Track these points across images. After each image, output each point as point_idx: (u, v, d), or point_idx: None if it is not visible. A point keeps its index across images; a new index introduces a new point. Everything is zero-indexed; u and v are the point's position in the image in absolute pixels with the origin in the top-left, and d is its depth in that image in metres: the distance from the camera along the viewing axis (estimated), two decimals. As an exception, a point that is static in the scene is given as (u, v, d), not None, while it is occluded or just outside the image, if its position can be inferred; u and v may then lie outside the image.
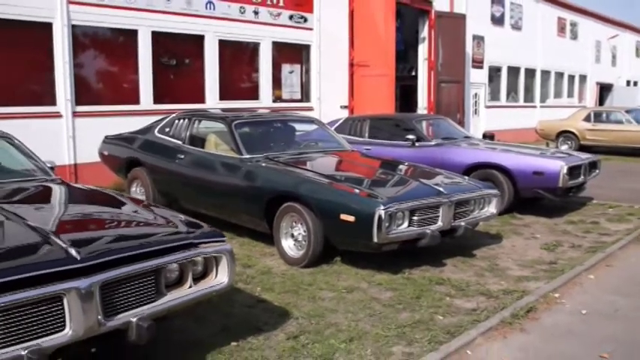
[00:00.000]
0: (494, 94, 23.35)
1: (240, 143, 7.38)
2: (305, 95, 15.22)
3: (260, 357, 4.05)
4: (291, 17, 14.49)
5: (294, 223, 6.41)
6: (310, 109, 14.92)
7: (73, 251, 3.23)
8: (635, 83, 37.09)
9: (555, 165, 8.76)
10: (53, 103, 10.69)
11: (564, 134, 20.14)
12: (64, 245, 3.28)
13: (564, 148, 18.64)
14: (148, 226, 4.06)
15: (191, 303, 3.77)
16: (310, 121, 9.20)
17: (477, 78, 21.73)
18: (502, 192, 8.49)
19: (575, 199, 10.08)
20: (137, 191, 8.80)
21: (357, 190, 6.05)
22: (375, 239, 5.65)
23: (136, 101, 11.84)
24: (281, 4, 14.22)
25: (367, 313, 4.91)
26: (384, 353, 4.16)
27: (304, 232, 6.24)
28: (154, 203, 6.20)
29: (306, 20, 14.82)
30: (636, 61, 38.30)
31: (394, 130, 10.61)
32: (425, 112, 18.34)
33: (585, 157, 9.83)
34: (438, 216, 6.16)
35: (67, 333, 3.13)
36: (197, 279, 3.84)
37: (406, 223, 5.89)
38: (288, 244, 6.46)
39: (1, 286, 2.91)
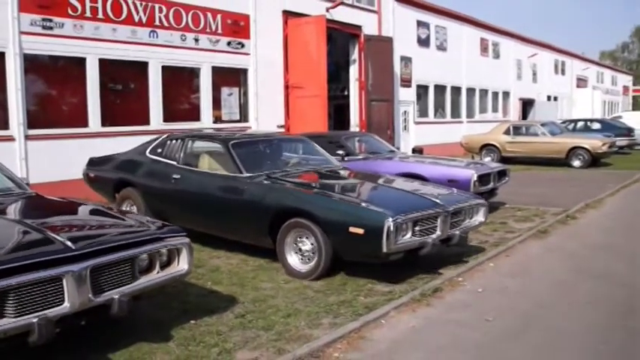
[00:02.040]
0: (422, 111, 24.77)
1: (239, 162, 7.58)
2: (243, 116, 16.16)
3: (214, 330, 5.02)
4: (229, 43, 15.45)
5: (299, 238, 6.67)
6: (249, 128, 15.88)
7: (69, 243, 4.16)
8: (555, 98, 39.42)
9: (467, 173, 9.99)
10: (6, 127, 11.33)
11: (487, 147, 21.68)
12: (61, 239, 4.21)
13: (487, 159, 20.10)
14: (124, 225, 5.03)
15: (159, 285, 4.75)
16: (300, 140, 9.50)
17: (406, 96, 23.09)
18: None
19: (489, 204, 11.31)
20: (130, 211, 8.68)
21: (363, 204, 6.43)
22: (385, 249, 6.01)
23: (85, 124, 12.51)
24: (219, 31, 15.17)
25: (301, 297, 5.94)
26: (315, 324, 5.20)
27: (311, 246, 6.56)
28: (125, 210, 7.06)
29: (243, 46, 15.81)
30: (555, 78, 40.72)
31: (326, 146, 11.63)
32: (357, 129, 19.52)
33: (495, 166, 11.14)
34: (436, 226, 6.62)
35: (66, 306, 4.03)
36: (163, 266, 4.79)
37: (410, 234, 6.28)
38: (293, 259, 6.72)
39: (17, 269, 3.81)
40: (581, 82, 47.16)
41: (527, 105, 35.96)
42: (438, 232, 6.61)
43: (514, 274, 6.95)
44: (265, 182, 7.29)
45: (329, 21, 17.50)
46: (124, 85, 13.46)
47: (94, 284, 4.19)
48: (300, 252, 6.71)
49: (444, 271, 6.89)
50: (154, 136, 9.44)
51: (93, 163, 9.88)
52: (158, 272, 4.72)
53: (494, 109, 31.70)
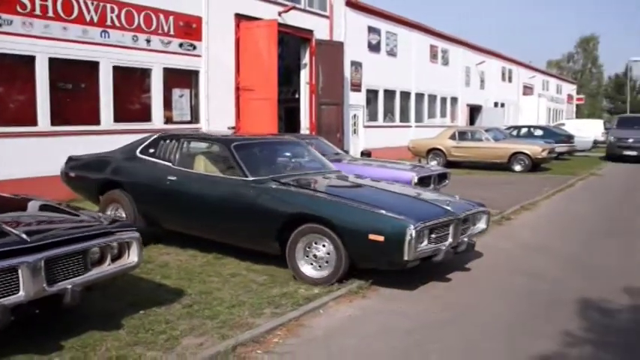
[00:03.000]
0: (372, 115, 25.30)
1: (244, 165, 7.39)
2: (194, 117, 16.36)
3: (163, 319, 5.32)
4: (181, 45, 15.65)
5: (313, 244, 6.59)
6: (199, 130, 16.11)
7: (24, 236, 4.43)
8: (502, 105, 40.51)
9: (407, 175, 10.47)
10: (-45, 125, 11.37)
11: (433, 151, 22.34)
12: (17, 232, 4.48)
13: (433, 163, 20.66)
14: (76, 220, 5.31)
15: (110, 277, 5.05)
16: (296, 143, 9.35)
17: (356, 100, 23.57)
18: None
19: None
20: (115, 214, 8.30)
21: (383, 211, 6.33)
22: (406, 257, 6.04)
23: (34, 123, 12.55)
24: (172, 32, 15.35)
25: (246, 290, 6.29)
26: (258, 313, 5.56)
27: (326, 252, 6.51)
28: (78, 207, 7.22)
29: (195, 48, 16.03)
30: (502, 85, 41.86)
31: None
32: (307, 132, 19.90)
33: (436, 169, 11.67)
34: (448, 233, 6.69)
35: (21, 295, 4.29)
36: (114, 259, 5.08)
37: (426, 241, 6.32)
38: (306, 266, 6.63)
39: (-25, 259, 4.07)
40: (528, 89, 48.51)
41: (474, 111, 36.92)
42: (450, 240, 6.68)
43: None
44: (275, 187, 7.11)
45: (281, 25, 17.84)
46: (74, 84, 13.52)
47: (48, 275, 4.45)
48: (315, 258, 6.61)
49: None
50: (145, 135, 9.07)
51: (73, 161, 9.43)
52: (109, 264, 5.01)
53: (443, 115, 32.50)
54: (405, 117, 28.26)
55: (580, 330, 5.48)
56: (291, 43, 21.26)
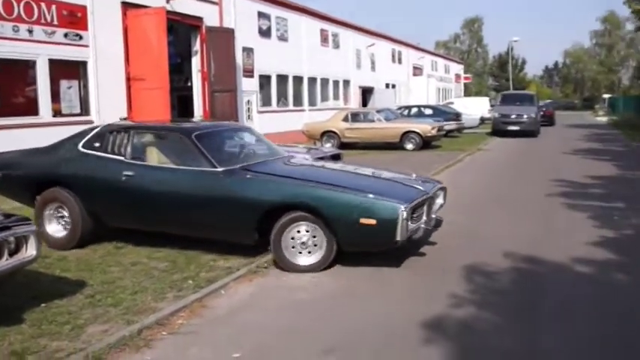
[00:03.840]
0: (265, 101, 25.42)
1: (210, 156, 7.14)
2: (84, 109, 16.00)
3: (65, 310, 5.39)
4: (66, 35, 15.24)
5: (296, 232, 6.61)
6: (90, 122, 15.72)
7: None
8: (393, 86, 41.60)
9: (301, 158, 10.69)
10: None
11: (327, 134, 22.79)
12: None
13: (328, 146, 21.04)
14: (-30, 215, 5.23)
15: (9, 271, 5.04)
16: (246, 128, 9.18)
17: (249, 86, 23.63)
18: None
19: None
20: (54, 214, 7.84)
21: (370, 195, 6.49)
22: (399, 237, 6.28)
23: None
24: (55, 22, 14.91)
25: (148, 277, 6.41)
26: (161, 298, 5.71)
27: (312, 239, 6.58)
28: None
29: (81, 38, 15.65)
30: (393, 67, 42.95)
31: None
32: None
33: (329, 151, 11.99)
34: (423, 211, 6.96)
35: None
36: (12, 253, 5.07)
37: (410, 221, 6.55)
38: (294, 254, 6.63)
39: None
40: (417, 70, 49.90)
41: (367, 93, 37.69)
42: (424, 217, 6.95)
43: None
44: (250, 177, 6.97)
45: (169, 12, 17.65)
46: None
47: (-55, 271, 4.44)
48: (303, 246, 6.63)
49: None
50: (82, 129, 8.54)
51: None
52: (7, 259, 5.00)
53: (336, 97, 33.02)
54: (298, 101, 28.55)
55: (466, 292, 5.94)
56: (181, 30, 21.06)
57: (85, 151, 7.85)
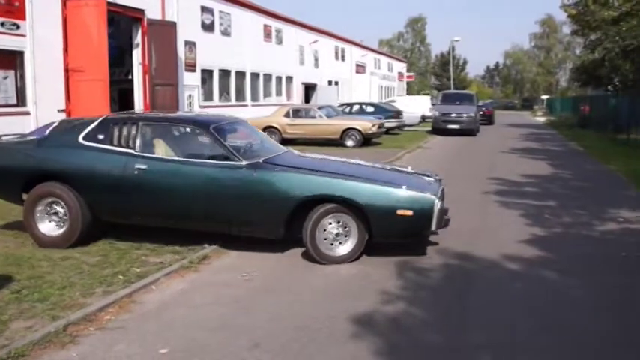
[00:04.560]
0: (207, 95, 25.27)
1: (231, 149, 7.12)
2: (21, 100, 15.64)
3: (-10, 307, 5.31)
4: (2, 24, 14.86)
5: (329, 224, 6.82)
6: (27, 113, 15.44)
7: None
8: (336, 83, 41.85)
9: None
10: None
11: (269, 129, 22.75)
12: None
13: (269, 142, 21.07)
14: None
15: None
16: (243, 123, 8.92)
17: (191, 80, 23.44)
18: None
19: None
20: (49, 211, 7.43)
21: (404, 187, 6.87)
22: (434, 227, 6.81)
23: None
24: (-9, 11, 14.58)
25: (77, 272, 6.35)
26: (89, 293, 5.69)
27: (344, 230, 6.84)
28: None
29: (18, 27, 15.27)
30: (336, 64, 43.20)
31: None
32: (142, 113, 19.63)
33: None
34: (441, 202, 7.24)
35: None
36: None
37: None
38: (325, 244, 6.84)
39: None
40: (360, 68, 50.29)
41: (309, 89, 37.84)
42: (440, 207, 7.13)
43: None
44: (276, 170, 7.00)
45: (110, 4, 17.37)
46: None
47: None
48: (337, 237, 6.87)
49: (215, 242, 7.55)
50: (81, 120, 8.25)
51: None
52: None
53: (278, 93, 33.03)
54: (241, 96, 28.48)
55: (397, 288, 6.09)
56: (123, 22, 20.77)
57: (87, 143, 7.45)
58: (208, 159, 7.17)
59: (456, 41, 71.98)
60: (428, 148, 23.01)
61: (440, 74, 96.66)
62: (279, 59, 32.52)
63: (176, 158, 7.34)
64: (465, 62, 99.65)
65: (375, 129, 22.30)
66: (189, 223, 7.31)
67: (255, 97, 29.85)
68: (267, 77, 31.42)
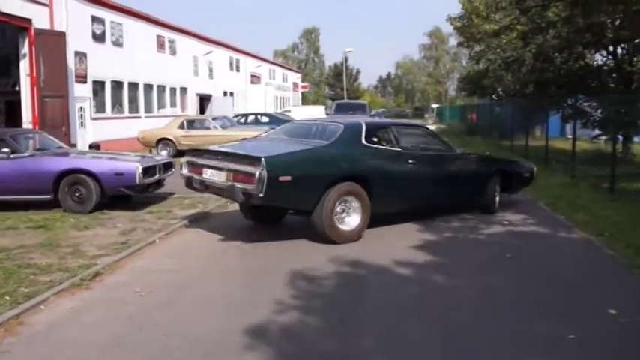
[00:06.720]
0: (99, 107, 24.76)
1: (448, 142, 11.11)
2: None
3: None
4: None
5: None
6: None
7: None
8: (231, 93, 41.89)
9: (132, 166, 10.72)
10: None
11: (163, 141, 22.59)
12: None
13: (164, 153, 20.82)
14: None
15: None
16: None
17: (82, 92, 22.94)
18: (89, 193, 10.32)
19: (158, 195, 12.23)
20: (342, 208, 8.48)
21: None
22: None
23: None
24: None
25: (-39, 294, 6.13)
26: (-26, 316, 5.49)
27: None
28: None
29: None
30: (231, 74, 43.27)
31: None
32: (30, 126, 19.05)
33: (161, 159, 12.10)
34: None
35: None
36: None
37: None
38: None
39: None
40: (255, 78, 50.54)
41: (204, 100, 37.70)
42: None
43: (171, 254, 7.95)
44: (473, 156, 11.03)
45: (-7, 13, 16.89)
46: None
47: None
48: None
49: (106, 258, 7.50)
50: (349, 122, 9.57)
51: (278, 165, 7.87)
52: None
53: (173, 105, 32.76)
54: (134, 108, 28.06)
55: (290, 298, 6.21)
56: (9, 32, 20.07)
57: (372, 145, 9.09)
58: (432, 151, 10.30)
59: (349, 52, 73.62)
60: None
61: (334, 84, 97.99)
62: (174, 70, 32.30)
63: (422, 153, 9.85)
64: (358, 72, 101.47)
65: (268, 140, 22.52)
66: (433, 199, 10.09)
67: (149, 108, 29.50)
68: (161, 88, 31.14)
